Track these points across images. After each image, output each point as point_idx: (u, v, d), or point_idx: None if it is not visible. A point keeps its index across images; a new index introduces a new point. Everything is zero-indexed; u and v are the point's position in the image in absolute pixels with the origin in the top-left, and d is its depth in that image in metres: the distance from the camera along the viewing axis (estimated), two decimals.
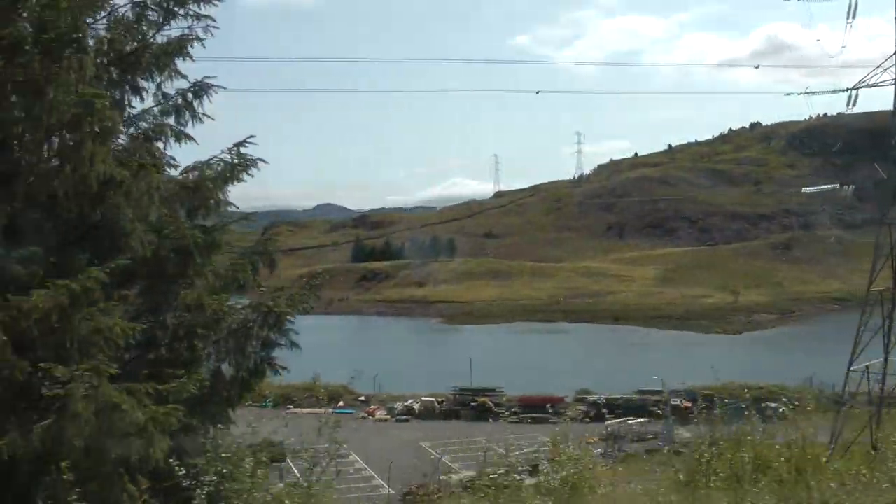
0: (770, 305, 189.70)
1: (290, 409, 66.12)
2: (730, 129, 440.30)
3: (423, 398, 64.24)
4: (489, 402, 62.01)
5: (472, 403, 61.85)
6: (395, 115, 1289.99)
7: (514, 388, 72.71)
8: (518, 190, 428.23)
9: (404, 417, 61.32)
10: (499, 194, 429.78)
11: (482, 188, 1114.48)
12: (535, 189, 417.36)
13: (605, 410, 63.49)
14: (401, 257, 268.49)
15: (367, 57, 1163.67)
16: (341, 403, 66.44)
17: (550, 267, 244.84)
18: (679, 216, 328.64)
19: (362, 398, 66.97)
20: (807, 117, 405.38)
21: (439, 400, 63.80)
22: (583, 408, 65.36)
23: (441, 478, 43.56)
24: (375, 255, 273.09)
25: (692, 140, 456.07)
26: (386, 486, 44.72)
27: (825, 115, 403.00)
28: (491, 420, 62.26)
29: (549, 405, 64.32)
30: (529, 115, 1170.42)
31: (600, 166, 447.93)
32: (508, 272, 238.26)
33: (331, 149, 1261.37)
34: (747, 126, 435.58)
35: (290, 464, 14.78)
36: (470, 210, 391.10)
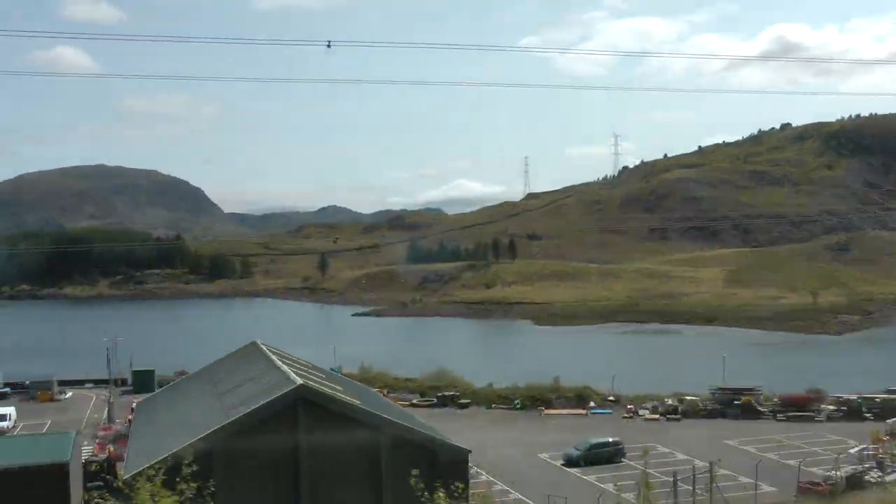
0: (848, 307, 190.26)
1: (543, 410, 67.01)
2: (759, 130, 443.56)
3: (686, 397, 65.12)
4: (753, 401, 63.00)
5: (736, 402, 62.87)
6: (395, 118, 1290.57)
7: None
8: (552, 191, 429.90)
9: (675, 417, 62.07)
10: (531, 195, 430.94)
11: (488, 190, 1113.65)
12: (570, 190, 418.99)
13: (864, 409, 64.53)
14: (457, 258, 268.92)
15: (374, 60, 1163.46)
16: (592, 404, 67.12)
17: (616, 268, 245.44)
18: (722, 217, 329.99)
19: (611, 398, 67.76)
20: (839, 118, 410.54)
21: (703, 399, 64.77)
22: (832, 407, 66.49)
23: (827, 474, 44.36)
24: (432, 256, 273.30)
25: (720, 141, 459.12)
26: (760, 485, 45.38)
27: (858, 115, 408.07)
28: (758, 419, 63.12)
29: (809, 403, 65.22)
30: (532, 118, 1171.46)
31: (629, 168, 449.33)
32: (574, 273, 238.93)
33: (332, 152, 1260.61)
34: (777, 127, 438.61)
35: None
36: (507, 211, 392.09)
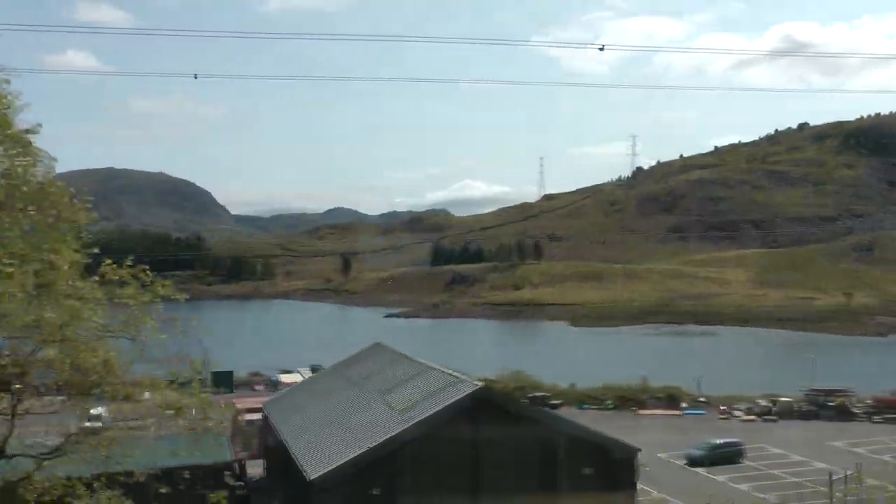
0: (881, 308, 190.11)
1: (636, 410, 67.28)
2: (776, 130, 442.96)
3: (780, 399, 65.41)
4: (847, 403, 63.22)
5: (829, 403, 63.09)
6: (400, 119, 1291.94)
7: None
8: (568, 192, 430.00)
9: (771, 418, 62.32)
10: (547, 196, 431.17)
11: (494, 190, 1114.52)
12: (586, 191, 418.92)
13: None
14: (480, 260, 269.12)
15: (387, 57, 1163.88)
16: (684, 404, 67.39)
17: (641, 269, 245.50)
18: (742, 218, 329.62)
19: (702, 399, 68.10)
20: (859, 116, 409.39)
21: (797, 400, 65.01)
22: None
23: None
24: (455, 257, 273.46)
25: (735, 141, 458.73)
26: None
27: (878, 114, 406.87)
28: (853, 420, 63.32)
29: None
30: (540, 119, 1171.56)
31: (644, 169, 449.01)
32: (599, 274, 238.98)
33: (338, 153, 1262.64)
34: (794, 126, 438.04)
35: None
36: (524, 212, 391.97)
